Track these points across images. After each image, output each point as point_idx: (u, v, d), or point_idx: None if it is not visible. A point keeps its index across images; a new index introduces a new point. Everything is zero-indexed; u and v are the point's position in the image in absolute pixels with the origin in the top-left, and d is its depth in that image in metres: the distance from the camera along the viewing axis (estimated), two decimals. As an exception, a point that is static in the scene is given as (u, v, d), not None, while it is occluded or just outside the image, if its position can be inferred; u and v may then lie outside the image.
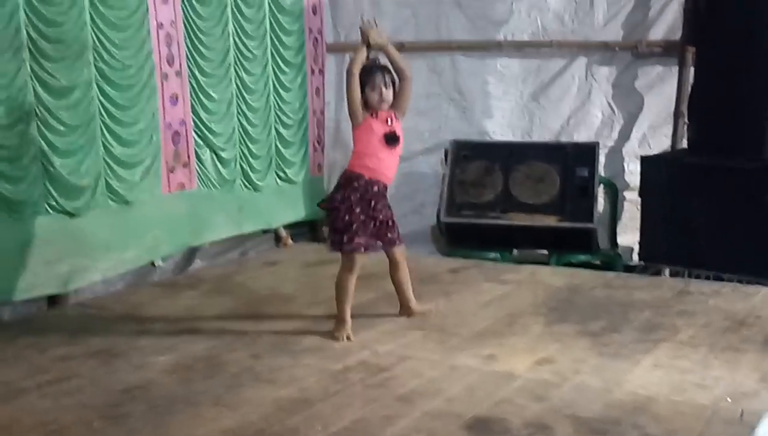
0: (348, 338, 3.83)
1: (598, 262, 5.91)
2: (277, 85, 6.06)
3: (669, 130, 6.17)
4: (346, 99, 3.89)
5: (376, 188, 3.89)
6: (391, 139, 3.87)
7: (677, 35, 6.05)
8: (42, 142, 4.31)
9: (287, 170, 6.22)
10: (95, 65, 4.58)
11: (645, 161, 5.47)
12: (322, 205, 4.09)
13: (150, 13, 4.91)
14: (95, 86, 4.59)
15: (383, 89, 3.85)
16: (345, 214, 3.85)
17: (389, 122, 3.88)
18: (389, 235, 3.98)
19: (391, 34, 6.48)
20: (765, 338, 3.76)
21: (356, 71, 3.80)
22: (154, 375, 3.40)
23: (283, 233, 6.32)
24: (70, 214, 4.51)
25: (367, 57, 3.86)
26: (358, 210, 3.85)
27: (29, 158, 4.25)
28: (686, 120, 5.60)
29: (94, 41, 4.55)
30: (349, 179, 3.89)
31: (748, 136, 4.90)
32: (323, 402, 3.07)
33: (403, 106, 3.95)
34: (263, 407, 3.03)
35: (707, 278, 5.14)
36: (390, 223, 3.97)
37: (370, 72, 3.86)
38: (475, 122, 6.56)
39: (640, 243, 5.47)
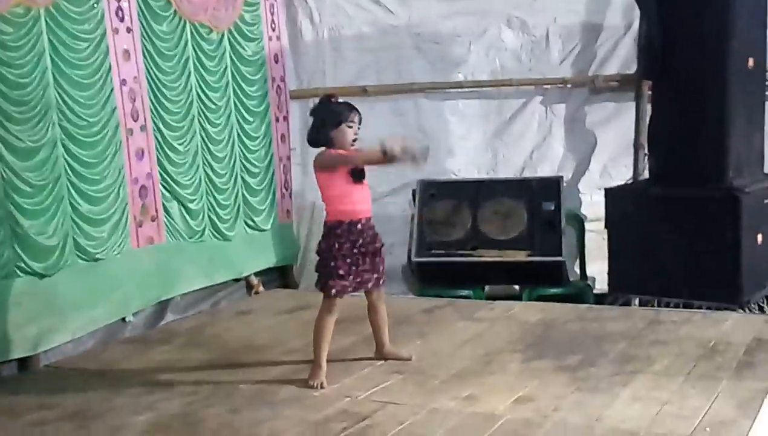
0: (322, 385, 3.82)
1: (569, 294, 5.95)
2: (242, 134, 6.07)
3: (629, 161, 6.29)
4: (331, 160, 3.86)
5: (359, 227, 3.90)
6: (358, 174, 3.89)
7: (632, 69, 6.20)
8: (9, 203, 4.27)
9: (255, 218, 6.22)
10: (60, 124, 4.56)
11: (609, 193, 5.54)
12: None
13: (113, 70, 4.92)
14: (60, 146, 4.57)
15: (357, 129, 3.91)
16: (330, 261, 3.87)
17: None
18: (375, 274, 3.98)
19: (353, 79, 6.65)
20: (738, 364, 3.83)
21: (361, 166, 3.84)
22: (133, 437, 3.35)
23: (255, 280, 6.29)
24: (40, 275, 4.45)
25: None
26: (344, 255, 3.86)
27: (-4, 221, 4.21)
28: (646, 151, 5.70)
29: (57, 101, 4.54)
30: (330, 229, 3.91)
31: (709, 165, 4.99)
32: (306, 455, 3.05)
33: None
34: (246, 464, 3.01)
35: (677, 306, 5.22)
36: (380, 255, 3.99)
37: (349, 109, 3.89)
38: (440, 161, 6.61)
39: (609, 274, 5.53)
